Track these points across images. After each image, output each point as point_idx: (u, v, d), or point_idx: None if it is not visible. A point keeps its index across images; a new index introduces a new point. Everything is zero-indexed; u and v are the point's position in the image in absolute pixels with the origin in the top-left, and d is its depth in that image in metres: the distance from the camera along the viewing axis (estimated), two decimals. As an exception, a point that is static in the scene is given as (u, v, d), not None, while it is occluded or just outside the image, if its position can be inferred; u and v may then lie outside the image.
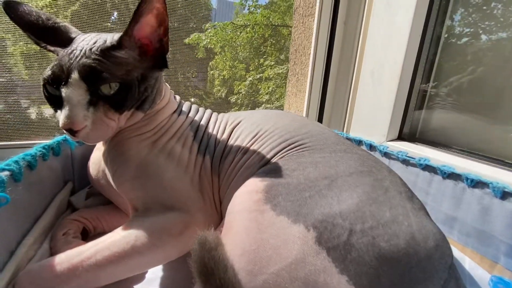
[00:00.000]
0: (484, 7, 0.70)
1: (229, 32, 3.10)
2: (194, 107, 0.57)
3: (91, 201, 0.57)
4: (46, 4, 1.00)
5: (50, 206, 0.49)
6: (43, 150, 0.47)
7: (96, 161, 0.52)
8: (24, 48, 0.98)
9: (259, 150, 0.46)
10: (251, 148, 0.48)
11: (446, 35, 0.72)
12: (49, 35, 0.44)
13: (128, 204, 0.46)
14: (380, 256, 0.31)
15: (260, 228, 0.33)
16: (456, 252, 0.53)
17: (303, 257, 0.30)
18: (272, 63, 3.02)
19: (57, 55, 0.42)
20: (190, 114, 0.55)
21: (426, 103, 0.77)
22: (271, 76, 3.00)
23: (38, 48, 0.98)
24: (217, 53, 2.94)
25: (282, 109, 1.27)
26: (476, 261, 0.52)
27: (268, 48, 3.10)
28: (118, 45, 0.43)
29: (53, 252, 0.45)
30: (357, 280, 0.30)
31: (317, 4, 0.88)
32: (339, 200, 0.35)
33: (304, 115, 0.94)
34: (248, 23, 3.22)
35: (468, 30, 0.72)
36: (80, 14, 1.04)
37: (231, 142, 0.50)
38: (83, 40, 0.43)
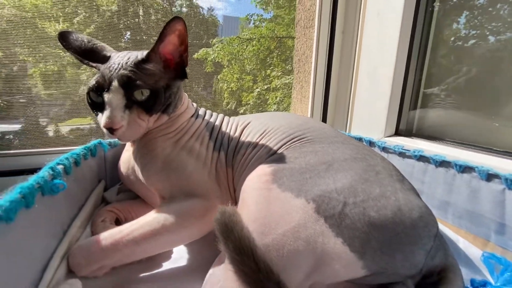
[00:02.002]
0: (471, 11, 0.77)
1: (236, 46, 3.20)
2: (208, 112, 0.66)
3: (121, 196, 0.65)
4: (63, 28, 1.10)
5: (89, 198, 0.58)
6: (84, 150, 0.56)
7: (126, 160, 0.60)
8: (43, 69, 1.09)
9: (267, 144, 0.54)
10: (260, 142, 0.55)
11: (433, 39, 0.79)
12: (90, 54, 0.53)
13: (156, 195, 0.54)
14: (370, 223, 0.37)
15: (268, 201, 0.40)
16: (451, 234, 0.58)
17: (304, 223, 0.37)
18: (279, 73, 3.10)
19: (98, 69, 0.51)
20: (206, 117, 0.63)
21: (420, 101, 0.83)
22: (278, 86, 3.07)
23: (55, 69, 1.09)
24: (225, 66, 3.03)
25: (289, 115, 1.35)
26: (469, 241, 0.56)
27: (275, 59, 3.20)
28: (147, 59, 0.52)
29: (93, 235, 0.53)
30: (350, 242, 0.36)
31: (316, 17, 0.97)
32: (335, 180, 0.41)
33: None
34: (254, 37, 3.31)
35: (459, 33, 0.79)
36: (95, 35, 1.17)
37: (242, 139, 0.58)
38: (118, 56, 0.52)
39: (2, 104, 1.00)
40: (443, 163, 0.60)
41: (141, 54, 0.53)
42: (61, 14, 1.13)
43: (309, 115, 0.99)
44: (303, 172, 0.43)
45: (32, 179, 0.38)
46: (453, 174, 0.58)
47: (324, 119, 0.98)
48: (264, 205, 0.40)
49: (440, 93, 0.80)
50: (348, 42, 0.91)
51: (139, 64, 0.51)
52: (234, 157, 0.56)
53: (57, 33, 0.53)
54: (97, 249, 0.44)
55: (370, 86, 0.86)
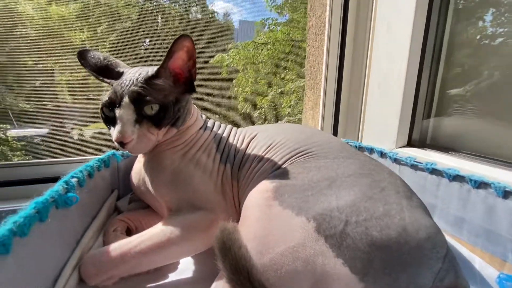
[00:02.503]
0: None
1: (251, 51, 3.21)
2: (217, 123, 0.67)
3: (133, 206, 0.68)
4: (87, 37, 1.17)
5: (102, 208, 0.60)
6: (98, 163, 0.59)
7: (138, 171, 0.62)
8: (70, 77, 1.14)
9: (272, 158, 0.54)
10: (265, 156, 0.55)
11: (448, 45, 0.76)
12: (105, 71, 0.56)
13: (163, 206, 0.56)
14: (372, 244, 0.36)
15: (268, 219, 0.40)
16: (466, 253, 0.55)
17: (304, 242, 0.37)
18: (294, 76, 3.09)
19: (112, 85, 0.54)
20: (214, 129, 0.64)
21: (435, 109, 0.79)
22: (292, 89, 3.06)
23: (79, 77, 1.16)
24: (240, 71, 3.06)
25: (302, 122, 1.34)
26: (486, 261, 0.53)
27: (289, 62, 3.19)
28: (157, 75, 0.54)
29: (105, 244, 0.55)
30: (351, 263, 0.35)
31: (327, 24, 0.96)
32: (337, 197, 0.41)
33: (319, 127, 1.00)
34: (269, 41, 3.31)
35: (481, 33, 0.75)
36: (117, 43, 1.20)
37: (248, 152, 0.59)
38: (130, 73, 0.55)
39: (31, 110, 1.06)
40: (457, 178, 0.57)
41: (152, 70, 0.55)
42: (85, 24, 1.18)
43: (319, 122, 0.98)
44: (305, 189, 0.43)
45: (46, 194, 0.41)
46: (468, 189, 0.55)
47: (335, 128, 0.97)
48: (264, 222, 0.40)
49: (457, 100, 0.76)
50: (359, 50, 0.90)
51: (149, 80, 0.53)
52: (240, 170, 0.57)
53: (77, 51, 0.56)
54: (107, 260, 0.46)
55: (381, 94, 0.84)
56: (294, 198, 0.42)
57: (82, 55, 0.56)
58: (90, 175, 0.55)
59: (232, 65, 2.78)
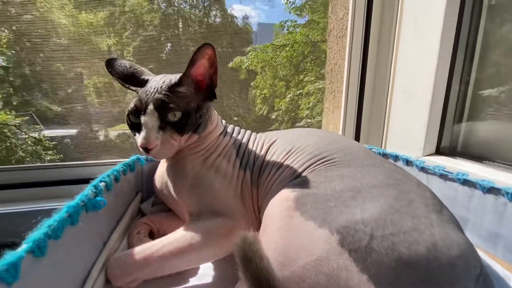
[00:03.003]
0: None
1: (269, 53, 3.21)
2: (236, 129, 0.68)
3: (156, 208, 0.70)
4: (113, 43, 1.22)
5: (127, 211, 0.63)
6: (124, 167, 0.61)
7: (161, 175, 0.64)
8: (97, 80, 1.20)
9: (292, 165, 0.54)
10: (285, 163, 0.55)
11: (481, 44, 0.71)
12: (131, 78, 0.58)
13: (185, 210, 0.57)
14: (399, 260, 0.34)
15: (290, 230, 0.40)
16: (501, 271, 0.51)
17: (327, 255, 0.36)
18: (312, 78, 3.05)
19: (137, 92, 0.56)
20: (233, 135, 0.65)
21: (467, 113, 0.75)
22: (311, 91, 3.02)
23: (106, 81, 1.21)
24: (258, 73, 3.06)
25: (321, 125, 1.32)
26: (524, 280, 0.49)
27: (308, 64, 3.15)
28: (180, 83, 0.55)
29: (129, 246, 0.57)
30: (376, 279, 0.34)
31: (349, 27, 0.94)
32: (362, 209, 0.39)
33: (340, 132, 0.98)
34: (288, 43, 3.29)
35: (510, 34, 0.70)
36: (140, 48, 1.24)
37: (267, 158, 0.58)
38: (154, 81, 0.57)
39: (63, 112, 1.13)
40: (492, 190, 0.54)
41: (175, 77, 0.56)
42: (112, 30, 1.24)
43: (341, 127, 0.96)
44: (328, 199, 0.42)
45: (77, 198, 0.43)
46: (504, 203, 0.52)
47: (357, 133, 0.94)
48: (285, 233, 0.40)
49: (491, 103, 0.71)
50: (384, 52, 0.87)
51: (172, 88, 0.54)
52: (259, 177, 0.57)
53: (105, 60, 0.59)
54: (131, 262, 0.48)
55: (407, 100, 0.80)
56: (316, 209, 0.41)
57: (110, 64, 0.59)
58: (116, 179, 0.57)
59: (250, 68, 2.80)
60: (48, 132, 1.22)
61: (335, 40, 1.13)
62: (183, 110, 0.53)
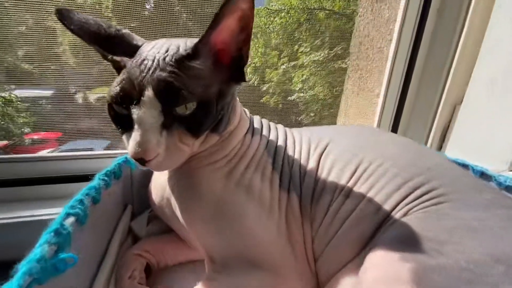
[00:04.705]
0: None
1: (263, 18, 2.94)
2: (265, 122, 0.48)
3: (152, 228, 0.51)
4: None
5: (112, 243, 0.45)
6: (106, 178, 0.41)
7: (159, 186, 0.45)
8: (72, 38, 1.02)
9: (370, 195, 0.36)
10: (356, 190, 0.37)
11: None
12: (113, 44, 0.36)
13: (201, 250, 0.39)
14: None
15: None
16: None
17: None
18: (308, 49, 2.85)
19: (125, 66, 0.34)
20: (264, 133, 0.45)
21: None
22: (306, 63, 2.84)
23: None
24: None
25: (334, 109, 1.15)
26: None
27: (303, 33, 2.93)
28: (194, 53, 0.34)
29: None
30: None
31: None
32: None
33: (372, 120, 0.81)
34: (283, 8, 3.03)
35: None
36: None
37: (322, 175, 0.40)
38: (152, 47, 0.35)
39: (35, 71, 1.04)
40: None
41: (184, 44, 0.35)
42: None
43: (376, 117, 0.79)
44: (468, 281, 0.25)
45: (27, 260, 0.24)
46: None
47: (395, 125, 0.78)
48: None
49: None
50: (449, 24, 0.67)
51: (182, 61, 0.33)
52: (313, 205, 0.39)
53: (55, 11, 0.35)
54: None
55: (493, 95, 0.60)
56: None
57: (65, 17, 0.35)
58: (95, 200, 0.37)
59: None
60: (19, 92, 1.10)
61: (369, 6, 0.92)
62: (200, 100, 0.33)
